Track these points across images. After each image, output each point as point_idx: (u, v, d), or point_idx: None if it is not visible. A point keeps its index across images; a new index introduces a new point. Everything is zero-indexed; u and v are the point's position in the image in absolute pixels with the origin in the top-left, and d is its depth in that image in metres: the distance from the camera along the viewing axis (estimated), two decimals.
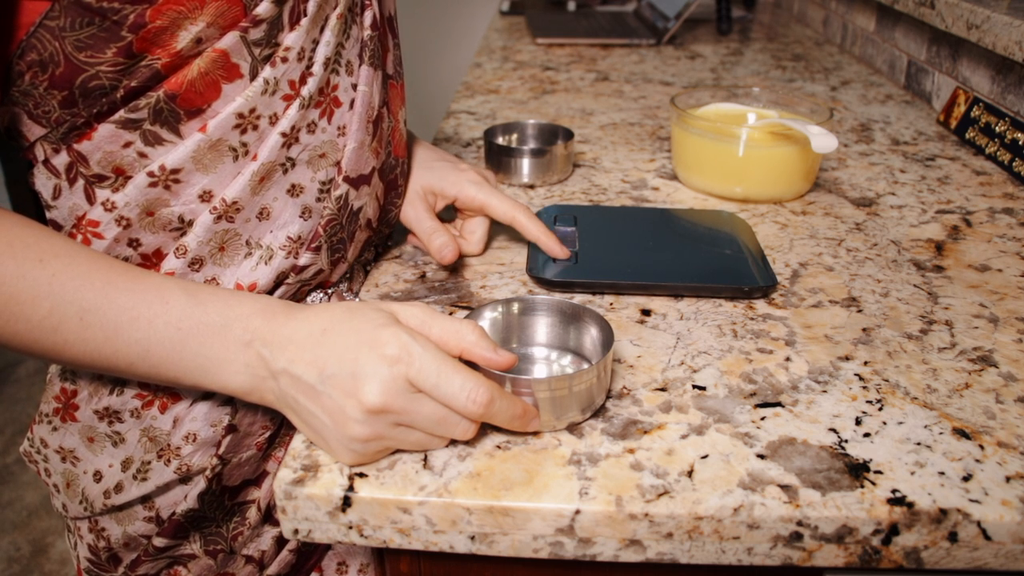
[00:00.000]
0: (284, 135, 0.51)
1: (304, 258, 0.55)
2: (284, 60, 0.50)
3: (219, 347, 0.46)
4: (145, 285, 0.46)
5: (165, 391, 0.55)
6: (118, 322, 0.45)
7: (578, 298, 0.62)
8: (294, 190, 0.54)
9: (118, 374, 0.48)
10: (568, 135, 0.88)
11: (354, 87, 0.55)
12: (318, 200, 0.55)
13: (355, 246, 0.60)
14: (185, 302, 0.46)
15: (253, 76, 0.50)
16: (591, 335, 0.52)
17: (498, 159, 0.85)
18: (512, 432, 0.47)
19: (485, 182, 0.68)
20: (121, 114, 0.48)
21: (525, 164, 0.84)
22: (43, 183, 0.52)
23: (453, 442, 0.46)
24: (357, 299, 0.64)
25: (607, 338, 0.50)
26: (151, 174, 0.49)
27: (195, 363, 0.46)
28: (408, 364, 0.43)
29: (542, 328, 0.54)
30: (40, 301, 0.44)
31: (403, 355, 0.43)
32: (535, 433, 0.47)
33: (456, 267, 0.67)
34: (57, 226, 0.53)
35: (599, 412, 0.49)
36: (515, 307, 0.54)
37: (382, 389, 0.42)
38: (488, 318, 0.53)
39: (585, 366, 0.50)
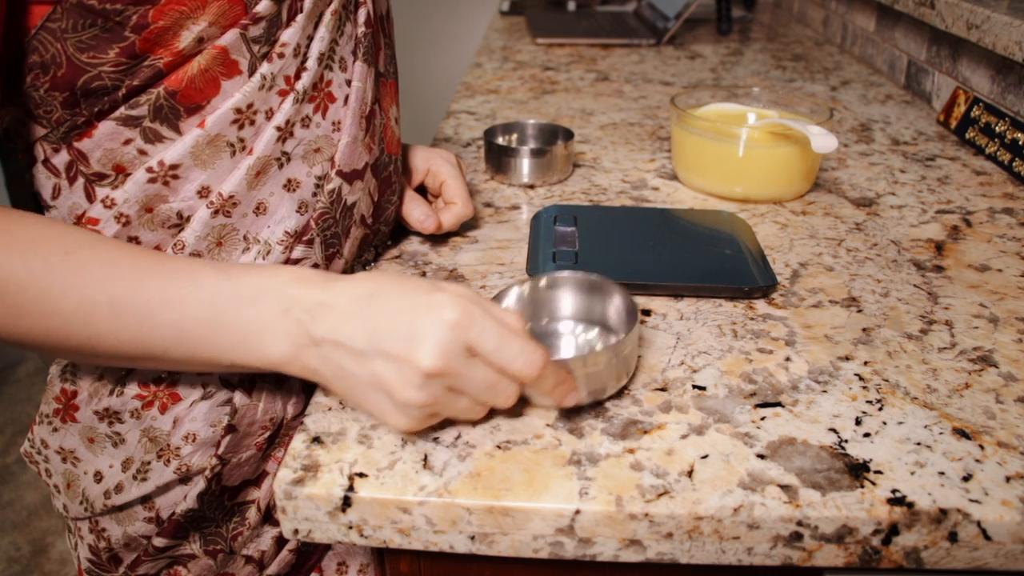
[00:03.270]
0: (279, 129, 0.52)
1: (297, 251, 0.55)
2: (281, 56, 0.50)
3: (255, 318, 0.44)
4: (174, 267, 0.45)
5: (165, 391, 0.55)
6: (150, 306, 0.44)
7: None
8: (290, 185, 0.54)
9: (153, 365, 0.47)
10: (568, 135, 0.88)
11: (348, 83, 0.56)
12: (314, 195, 0.55)
13: (351, 243, 0.60)
14: (216, 279, 0.45)
15: (251, 72, 0.50)
16: (616, 307, 0.53)
17: (498, 159, 0.85)
18: (514, 427, 0.47)
19: (454, 163, 0.72)
20: (122, 111, 0.48)
21: (525, 164, 0.84)
22: (42, 183, 0.52)
23: (453, 442, 0.46)
24: None
25: (632, 310, 0.51)
26: (150, 170, 0.49)
27: (233, 338, 0.45)
28: (468, 328, 0.42)
29: (567, 302, 0.55)
30: (69, 293, 0.43)
31: (463, 319, 0.42)
32: (537, 435, 0.47)
33: (456, 267, 0.67)
34: None
35: (601, 411, 0.49)
36: (541, 282, 0.55)
37: (440, 352, 0.42)
38: (515, 294, 0.54)
39: (612, 339, 0.51)
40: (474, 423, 0.48)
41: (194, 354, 0.45)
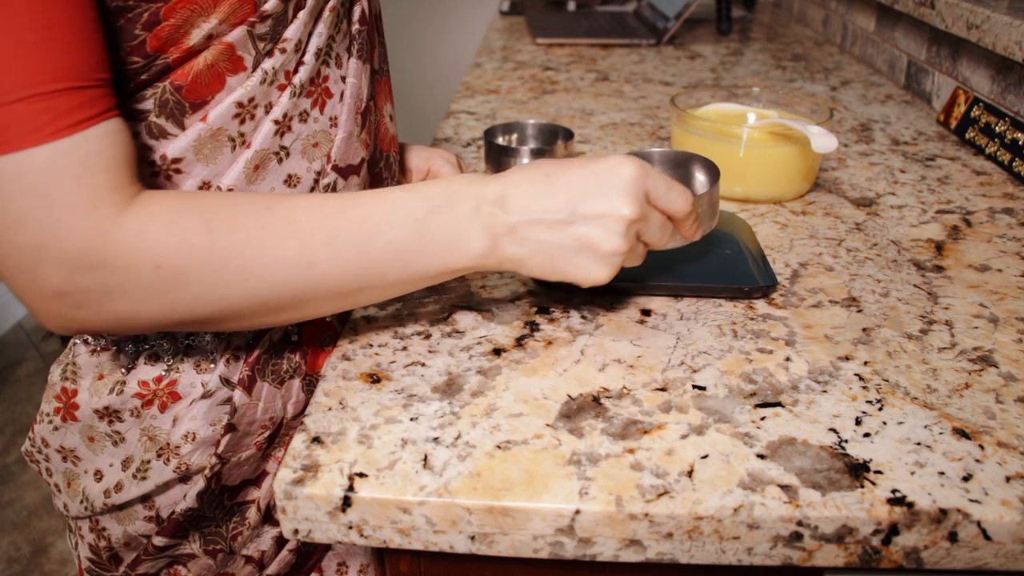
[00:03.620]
0: (277, 122, 0.52)
1: None
2: (283, 51, 0.51)
3: (455, 221, 0.48)
4: (366, 197, 0.48)
5: (165, 390, 0.55)
6: (362, 234, 0.47)
7: (578, 298, 0.62)
8: (291, 180, 0.54)
9: (364, 297, 0.49)
10: (568, 135, 0.88)
11: (343, 79, 0.56)
12: (312, 190, 0.56)
13: None
14: (407, 197, 0.48)
15: (255, 68, 0.50)
16: (698, 175, 0.65)
17: (498, 159, 0.85)
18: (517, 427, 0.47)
19: (454, 163, 0.73)
20: (127, 105, 0.48)
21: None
22: None
23: (453, 442, 0.46)
24: None
25: (714, 172, 0.62)
26: (152, 163, 0.49)
27: (440, 244, 0.48)
28: (646, 177, 0.50)
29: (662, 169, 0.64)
30: (288, 241, 0.45)
31: (640, 170, 0.49)
32: (536, 435, 0.47)
33: None
34: None
35: (601, 411, 0.49)
36: (643, 158, 0.63)
37: (635, 199, 0.49)
38: None
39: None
40: (487, 382, 0.48)
41: (407, 270, 0.49)
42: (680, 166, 0.66)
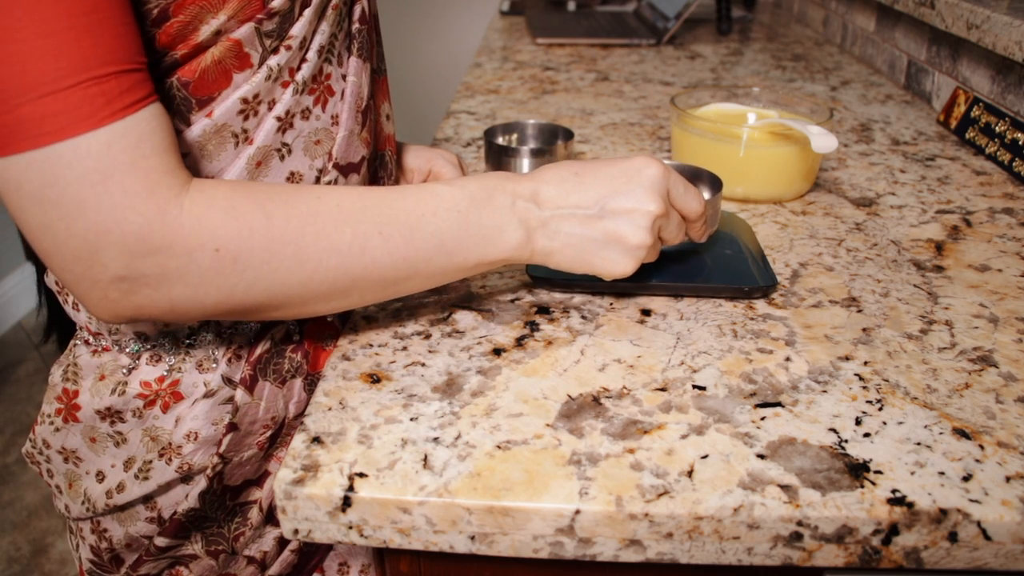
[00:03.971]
0: (279, 119, 0.52)
1: None
2: (288, 48, 0.51)
3: (494, 215, 0.51)
4: (408, 189, 0.50)
5: (168, 390, 0.55)
6: (409, 223, 0.49)
7: (577, 298, 0.62)
8: (293, 178, 0.54)
9: (409, 285, 0.51)
10: (568, 135, 0.88)
11: (344, 77, 0.56)
12: None
13: None
14: (450, 190, 0.51)
15: (261, 65, 0.50)
16: (702, 186, 0.69)
17: (498, 159, 0.85)
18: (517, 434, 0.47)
19: (456, 164, 0.74)
20: None
21: (525, 164, 0.84)
22: None
23: (453, 442, 0.46)
24: None
25: (717, 183, 0.67)
26: None
27: (480, 235, 0.51)
28: (668, 179, 0.53)
29: None
30: (342, 228, 0.47)
31: (663, 170, 0.53)
32: (536, 435, 0.47)
33: None
34: None
35: (601, 411, 0.49)
36: None
37: (660, 196, 0.52)
38: None
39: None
40: (487, 382, 0.48)
41: (450, 259, 0.51)
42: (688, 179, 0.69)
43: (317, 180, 0.56)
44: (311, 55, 0.53)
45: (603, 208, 0.52)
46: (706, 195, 0.69)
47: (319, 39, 0.53)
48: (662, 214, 0.52)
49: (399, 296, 0.52)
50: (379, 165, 0.64)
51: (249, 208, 0.44)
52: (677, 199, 0.55)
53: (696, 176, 0.71)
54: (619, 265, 0.53)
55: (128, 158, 0.40)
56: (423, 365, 0.54)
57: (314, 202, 0.47)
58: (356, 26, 0.57)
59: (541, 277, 0.63)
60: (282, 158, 0.53)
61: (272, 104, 0.52)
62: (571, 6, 1.99)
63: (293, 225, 0.45)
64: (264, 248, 0.44)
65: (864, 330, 0.58)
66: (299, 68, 0.53)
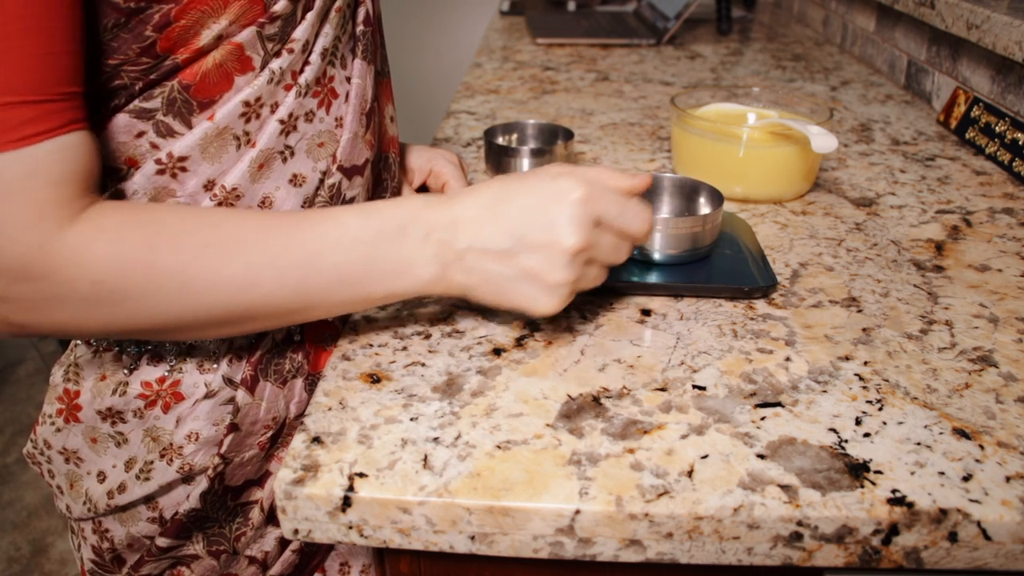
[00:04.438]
0: (282, 122, 0.52)
1: None
2: (290, 51, 0.51)
3: (404, 248, 0.48)
4: (317, 217, 0.48)
5: (168, 390, 0.55)
6: (308, 256, 0.47)
7: (578, 298, 0.62)
8: (296, 180, 0.54)
9: (311, 314, 0.49)
10: (568, 135, 0.88)
11: (348, 80, 0.56)
12: (316, 190, 0.56)
13: None
14: (358, 219, 0.48)
15: (263, 69, 0.50)
16: (702, 199, 0.70)
17: (498, 159, 0.85)
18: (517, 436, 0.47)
19: (456, 163, 0.73)
20: (136, 103, 0.48)
21: (525, 164, 0.84)
22: None
23: (453, 442, 0.47)
24: None
25: (717, 198, 0.67)
26: (159, 162, 0.50)
27: (387, 269, 0.48)
28: (595, 201, 0.48)
29: (667, 198, 0.72)
30: (232, 261, 0.45)
31: (589, 194, 0.48)
32: (537, 435, 0.47)
33: None
34: None
35: (601, 411, 0.49)
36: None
37: (579, 228, 0.47)
38: None
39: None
40: (487, 381, 0.48)
41: (353, 293, 0.48)
42: (687, 192, 0.72)
43: (321, 182, 0.56)
44: (314, 58, 0.53)
45: (518, 242, 0.47)
46: (706, 210, 0.69)
47: (322, 42, 0.53)
48: (583, 247, 0.48)
49: (309, 321, 0.51)
50: (383, 167, 0.64)
51: (134, 241, 0.44)
52: (613, 221, 0.49)
53: (695, 190, 0.71)
54: (540, 303, 0.49)
55: (17, 187, 0.41)
56: (423, 365, 0.54)
57: (208, 232, 0.45)
58: (360, 28, 0.57)
59: None
60: (284, 160, 0.53)
61: (275, 107, 0.52)
62: (571, 6, 1.99)
63: (180, 258, 0.44)
64: (145, 280, 0.44)
65: (864, 330, 0.58)
66: (302, 71, 0.53)
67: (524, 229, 0.47)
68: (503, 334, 0.58)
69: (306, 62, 0.53)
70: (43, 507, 1.81)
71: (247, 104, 0.50)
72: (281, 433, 0.59)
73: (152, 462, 0.56)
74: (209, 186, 0.52)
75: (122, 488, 0.56)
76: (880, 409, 0.50)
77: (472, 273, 0.49)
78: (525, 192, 0.48)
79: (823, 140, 0.74)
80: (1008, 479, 0.44)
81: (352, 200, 0.59)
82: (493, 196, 0.49)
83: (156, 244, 0.44)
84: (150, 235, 0.44)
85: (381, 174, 0.64)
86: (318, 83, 0.54)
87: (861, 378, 0.53)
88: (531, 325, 0.59)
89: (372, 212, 0.49)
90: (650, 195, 0.72)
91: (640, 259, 0.65)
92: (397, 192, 0.68)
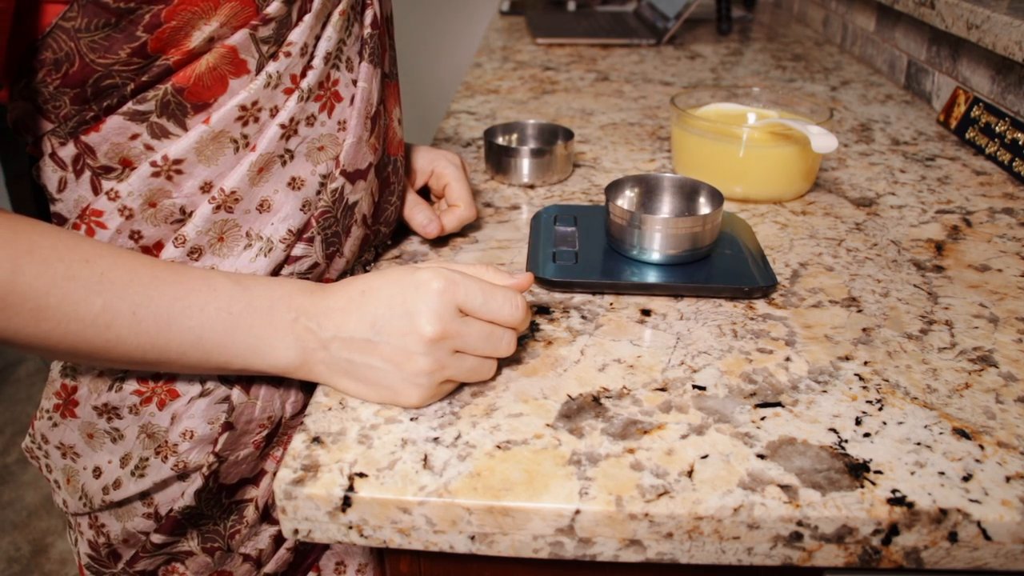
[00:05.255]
0: (283, 127, 0.52)
1: (298, 249, 0.56)
2: (287, 55, 0.51)
3: (268, 327, 0.48)
4: (191, 276, 0.48)
5: (164, 388, 0.55)
6: (170, 312, 0.46)
7: (577, 298, 0.62)
8: (295, 183, 0.54)
9: (163, 368, 0.49)
10: (568, 135, 0.88)
11: (354, 83, 0.56)
12: (317, 194, 0.56)
13: (352, 242, 0.60)
14: (231, 288, 0.48)
15: (259, 71, 0.50)
16: (702, 199, 0.70)
17: (498, 159, 0.85)
18: (516, 436, 0.47)
19: (459, 164, 0.73)
20: (129, 106, 0.48)
21: (525, 164, 0.84)
22: (49, 176, 0.52)
23: (453, 442, 0.46)
24: None
25: (717, 198, 0.68)
26: (154, 164, 0.50)
27: (246, 344, 0.48)
28: (455, 291, 0.47)
29: (667, 198, 0.73)
30: (92, 299, 0.44)
31: (448, 284, 0.47)
32: (537, 435, 0.47)
33: None
34: (61, 219, 0.53)
35: (601, 411, 0.49)
36: (649, 181, 0.72)
37: (436, 316, 0.47)
38: (627, 197, 0.71)
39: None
40: (487, 382, 0.48)
41: (208, 359, 0.48)
42: (687, 192, 0.72)
43: (322, 185, 0.56)
44: (317, 62, 0.53)
45: (379, 331, 0.47)
46: (706, 210, 0.69)
47: (325, 45, 0.53)
48: (439, 336, 0.47)
49: (171, 372, 0.50)
50: (391, 170, 0.64)
51: (1, 258, 0.43)
52: (478, 310, 0.48)
53: (695, 190, 0.71)
54: (403, 393, 0.48)
55: None
56: None
57: (78, 266, 0.44)
58: (368, 31, 0.57)
59: (541, 277, 0.63)
60: (283, 164, 0.53)
61: (275, 111, 0.52)
62: (571, 6, 1.99)
63: (40, 284, 0.43)
64: (1, 298, 0.43)
65: (864, 330, 0.58)
66: (304, 75, 0.52)
67: (384, 319, 0.47)
68: None
69: (308, 66, 0.52)
70: (43, 507, 1.81)
71: (243, 108, 0.50)
72: (277, 432, 0.59)
73: (147, 459, 0.56)
74: (206, 188, 0.51)
75: (117, 484, 0.56)
76: (880, 409, 0.49)
77: (335, 362, 0.48)
78: (389, 285, 0.48)
79: (823, 140, 0.74)
80: (1008, 479, 0.44)
81: (355, 205, 0.58)
82: (359, 289, 0.49)
83: (22, 266, 0.43)
84: (19, 255, 0.43)
85: (389, 177, 0.64)
86: (321, 87, 0.54)
87: (861, 378, 0.53)
88: (531, 325, 0.59)
89: (248, 285, 0.48)
90: (651, 195, 0.72)
91: (640, 259, 0.65)
92: (403, 194, 0.68)
